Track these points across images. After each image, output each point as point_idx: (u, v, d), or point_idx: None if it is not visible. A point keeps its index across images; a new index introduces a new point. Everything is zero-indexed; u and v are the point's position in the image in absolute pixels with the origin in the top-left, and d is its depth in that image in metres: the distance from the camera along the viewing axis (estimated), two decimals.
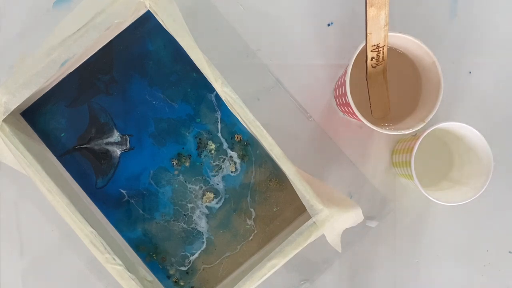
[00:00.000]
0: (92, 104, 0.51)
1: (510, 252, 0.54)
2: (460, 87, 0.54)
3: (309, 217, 0.45)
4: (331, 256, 0.53)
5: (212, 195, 0.52)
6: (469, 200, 0.47)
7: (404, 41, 0.45)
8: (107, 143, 0.51)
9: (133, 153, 0.51)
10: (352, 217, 0.47)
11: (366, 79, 0.46)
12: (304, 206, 0.45)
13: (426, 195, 0.46)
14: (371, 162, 0.54)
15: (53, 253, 0.53)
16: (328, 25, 0.53)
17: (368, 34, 0.43)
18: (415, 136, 0.49)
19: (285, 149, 0.46)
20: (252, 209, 0.52)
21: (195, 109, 0.51)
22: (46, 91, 0.50)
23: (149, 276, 0.50)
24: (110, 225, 0.51)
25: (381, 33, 0.43)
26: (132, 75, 0.51)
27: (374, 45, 0.44)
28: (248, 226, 0.52)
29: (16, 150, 0.44)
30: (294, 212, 0.52)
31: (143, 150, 0.51)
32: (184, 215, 0.52)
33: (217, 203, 0.52)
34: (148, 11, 0.46)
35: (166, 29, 0.45)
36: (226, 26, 0.53)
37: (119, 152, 0.51)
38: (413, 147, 0.46)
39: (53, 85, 0.50)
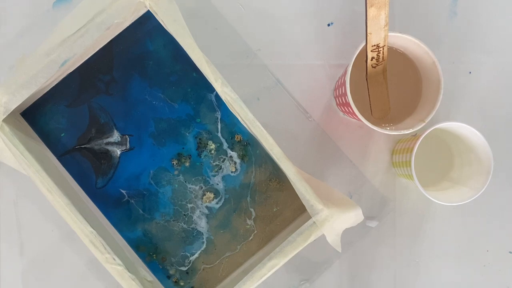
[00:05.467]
0: (92, 104, 0.51)
1: (510, 252, 0.54)
2: (460, 87, 0.54)
3: (309, 217, 0.45)
4: (331, 256, 0.53)
5: (212, 195, 0.52)
6: (469, 200, 0.47)
7: (404, 41, 0.45)
8: (107, 143, 0.51)
9: (133, 153, 0.51)
10: (352, 217, 0.47)
11: (366, 79, 0.46)
12: (304, 206, 0.45)
13: (426, 195, 0.46)
14: (371, 162, 0.54)
15: (53, 253, 0.53)
16: (328, 25, 0.53)
17: (368, 34, 0.43)
18: (415, 136, 0.49)
19: (285, 149, 0.46)
20: (252, 209, 0.52)
21: (195, 109, 0.51)
22: (46, 91, 0.50)
23: (149, 276, 0.50)
24: (110, 225, 0.51)
25: (381, 33, 0.43)
26: (132, 75, 0.51)
27: (374, 45, 0.44)
28: (248, 226, 0.52)
29: (16, 150, 0.44)
30: (294, 212, 0.52)
31: (143, 150, 0.51)
32: (184, 215, 0.52)
33: (217, 203, 0.52)
34: (148, 11, 0.46)
35: (166, 29, 0.45)
36: (226, 26, 0.53)
37: (119, 152, 0.51)
38: (413, 147, 0.46)
39: (53, 85, 0.50)
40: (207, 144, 0.51)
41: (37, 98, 0.50)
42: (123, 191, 0.51)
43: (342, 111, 0.52)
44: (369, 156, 0.54)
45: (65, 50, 0.45)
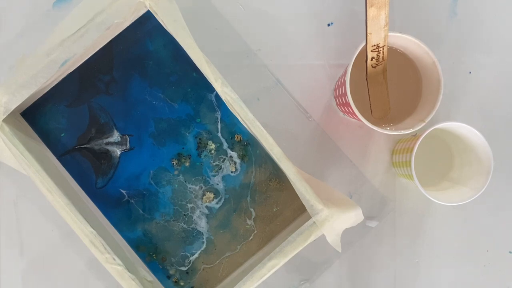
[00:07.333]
0: (92, 104, 0.51)
1: (510, 252, 0.54)
2: (460, 87, 0.54)
3: (309, 217, 0.45)
4: (331, 256, 0.53)
5: (212, 195, 0.52)
6: (469, 200, 0.47)
7: (404, 41, 0.45)
8: (107, 143, 0.51)
9: (133, 153, 0.51)
10: (352, 217, 0.47)
11: (366, 79, 0.46)
12: (304, 206, 0.45)
13: (426, 195, 0.46)
14: (371, 162, 0.54)
15: (53, 253, 0.53)
16: (328, 25, 0.53)
17: (368, 34, 0.43)
18: (415, 136, 0.49)
19: (285, 149, 0.46)
20: (252, 209, 0.52)
21: (195, 109, 0.51)
22: (46, 91, 0.50)
23: (149, 276, 0.50)
24: (110, 225, 0.51)
25: (381, 33, 0.43)
26: (132, 75, 0.51)
27: (374, 45, 0.44)
28: (248, 226, 0.52)
29: (16, 150, 0.44)
30: (294, 212, 0.52)
31: (143, 150, 0.51)
32: (184, 215, 0.52)
33: (217, 203, 0.52)
34: (148, 11, 0.46)
35: (166, 29, 0.45)
36: (226, 26, 0.53)
37: (119, 152, 0.51)
38: (413, 147, 0.46)
39: (53, 85, 0.50)
40: (207, 144, 0.51)
41: (37, 98, 0.50)
42: (123, 191, 0.51)
43: (342, 111, 0.52)
44: (369, 156, 0.54)
45: (65, 50, 0.45)
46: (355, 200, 0.53)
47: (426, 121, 0.45)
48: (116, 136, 0.51)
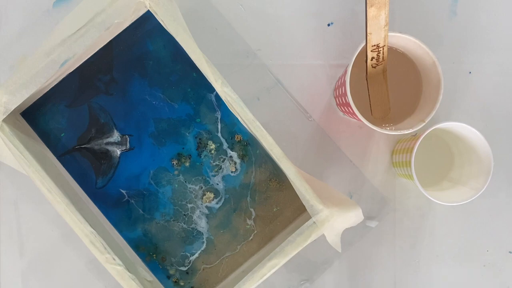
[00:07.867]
0: (92, 104, 0.51)
1: (510, 252, 0.54)
2: (460, 87, 0.54)
3: (309, 217, 0.45)
4: (331, 256, 0.53)
5: (212, 195, 0.52)
6: (469, 200, 0.47)
7: (404, 41, 0.45)
8: (107, 143, 0.51)
9: (133, 153, 0.51)
10: (352, 217, 0.47)
11: (366, 79, 0.46)
12: (304, 206, 0.45)
13: (426, 195, 0.46)
14: (371, 162, 0.54)
15: (53, 253, 0.53)
16: (328, 25, 0.53)
17: (368, 34, 0.43)
18: (415, 136, 0.49)
19: (285, 149, 0.46)
20: (252, 209, 0.52)
21: (195, 109, 0.51)
22: (46, 91, 0.50)
23: (149, 276, 0.50)
24: (110, 225, 0.51)
25: (381, 33, 0.43)
26: (132, 75, 0.51)
27: (374, 45, 0.44)
28: (248, 226, 0.52)
29: (16, 150, 0.44)
30: (294, 212, 0.52)
31: (143, 150, 0.51)
32: (184, 215, 0.52)
33: (217, 203, 0.52)
34: (148, 11, 0.46)
35: (166, 29, 0.45)
36: (226, 26, 0.53)
37: (119, 152, 0.51)
38: (413, 147, 0.46)
39: (53, 85, 0.50)
40: (207, 144, 0.51)
41: (37, 98, 0.50)
42: (123, 191, 0.51)
43: (342, 111, 0.52)
44: (369, 156, 0.54)
45: (65, 50, 0.45)
46: (355, 200, 0.53)
47: (426, 121, 0.45)
48: (116, 136, 0.51)
